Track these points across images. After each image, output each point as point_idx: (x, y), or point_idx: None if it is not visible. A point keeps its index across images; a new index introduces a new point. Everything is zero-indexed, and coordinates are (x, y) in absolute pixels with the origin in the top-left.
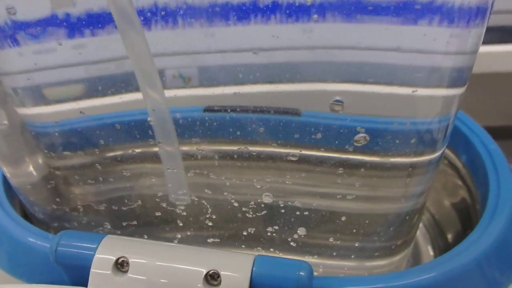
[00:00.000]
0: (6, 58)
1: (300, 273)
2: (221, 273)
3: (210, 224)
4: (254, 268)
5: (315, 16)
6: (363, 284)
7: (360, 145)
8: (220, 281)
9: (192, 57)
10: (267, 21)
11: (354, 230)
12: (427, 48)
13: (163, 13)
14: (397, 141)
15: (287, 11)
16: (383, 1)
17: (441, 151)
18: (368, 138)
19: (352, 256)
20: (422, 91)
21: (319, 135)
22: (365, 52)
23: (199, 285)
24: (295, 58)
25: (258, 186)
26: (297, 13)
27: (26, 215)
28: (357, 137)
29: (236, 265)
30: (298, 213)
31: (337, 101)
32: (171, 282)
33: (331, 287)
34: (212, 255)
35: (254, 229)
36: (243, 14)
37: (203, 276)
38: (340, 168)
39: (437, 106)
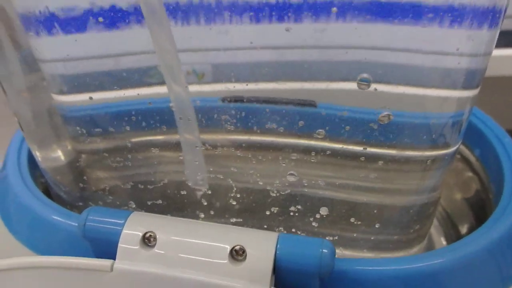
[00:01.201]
0: (46, 45)
1: (323, 250)
2: (247, 248)
3: (234, 203)
4: (278, 245)
5: (335, 8)
6: (378, 266)
7: (383, 123)
8: (245, 256)
9: (206, 53)
10: (282, 19)
11: (371, 221)
12: (441, 49)
13: (178, 10)
14: (413, 135)
15: (303, 10)
16: (398, 2)
17: (456, 146)
18: (392, 117)
19: (369, 247)
20: (436, 90)
21: (340, 123)
22: (380, 52)
23: (224, 260)
24: (308, 57)
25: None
26: (313, 12)
27: (49, 195)
28: (381, 116)
29: (261, 242)
30: (317, 202)
31: (363, 80)
32: (197, 256)
33: (350, 266)
34: (238, 232)
35: (277, 208)
36: (256, 11)
37: (228, 251)
38: (360, 159)
39: (451, 103)
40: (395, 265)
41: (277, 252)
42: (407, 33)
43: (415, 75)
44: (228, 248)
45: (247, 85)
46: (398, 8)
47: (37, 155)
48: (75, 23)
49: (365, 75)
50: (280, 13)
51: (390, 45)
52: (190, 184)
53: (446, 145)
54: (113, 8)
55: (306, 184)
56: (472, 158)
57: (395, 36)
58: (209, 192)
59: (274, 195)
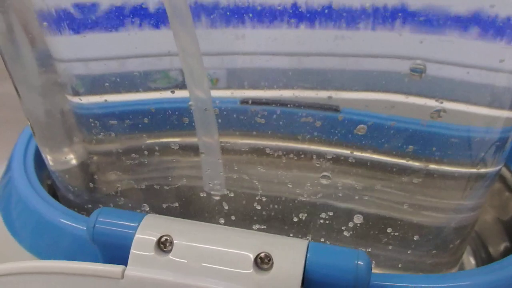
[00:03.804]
0: (64, 44)
1: (359, 262)
2: (273, 256)
3: (258, 208)
4: (308, 254)
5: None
6: (418, 283)
7: (435, 120)
8: (272, 265)
9: (221, 58)
10: (302, 24)
11: (406, 237)
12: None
13: (195, 12)
14: (457, 150)
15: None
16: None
17: (500, 166)
18: (443, 113)
19: (402, 265)
20: (484, 106)
21: (381, 130)
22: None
23: (248, 270)
24: (326, 64)
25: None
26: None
27: (56, 197)
28: (432, 112)
29: (289, 250)
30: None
31: (415, 70)
32: (218, 265)
33: (387, 282)
34: (263, 238)
35: (306, 215)
36: (274, 17)
37: (253, 259)
38: (400, 171)
39: (499, 120)
40: (436, 283)
41: (307, 262)
42: (456, 46)
43: (463, 88)
44: (253, 256)
45: (262, 91)
46: (446, 20)
47: (48, 158)
48: (96, 22)
49: (417, 64)
50: (300, 18)
51: (437, 58)
52: (205, 189)
53: (489, 163)
54: (134, 8)
55: (340, 188)
56: (507, 174)
57: (443, 49)
58: (231, 195)
59: (304, 199)
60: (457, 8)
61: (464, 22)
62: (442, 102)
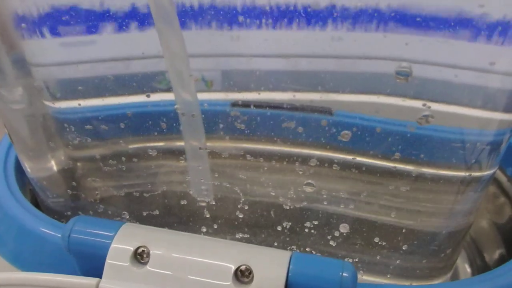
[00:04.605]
0: (41, 48)
1: (344, 274)
2: (254, 269)
3: (241, 216)
4: (290, 266)
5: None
6: None
7: (421, 126)
8: (252, 278)
9: (216, 60)
10: (297, 26)
11: (396, 244)
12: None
13: (189, 14)
14: (448, 153)
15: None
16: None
17: (494, 169)
18: (431, 119)
19: (392, 273)
20: (478, 109)
21: (368, 133)
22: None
23: (227, 282)
24: (321, 66)
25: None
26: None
27: (37, 204)
28: (419, 118)
29: (270, 262)
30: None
31: (401, 73)
32: (196, 277)
33: None
34: (244, 250)
35: (290, 223)
36: (270, 18)
37: (233, 271)
38: (389, 175)
39: (493, 123)
40: None
41: (290, 274)
42: (449, 48)
43: (456, 91)
44: (233, 268)
45: (258, 94)
46: (438, 22)
47: (26, 165)
48: (73, 25)
49: (403, 66)
50: (296, 20)
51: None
52: (192, 194)
53: (483, 167)
54: (112, 11)
55: (325, 197)
56: (503, 178)
57: (435, 50)
58: (213, 202)
59: (288, 208)
60: (446, 8)
61: (458, 25)
62: (429, 107)
